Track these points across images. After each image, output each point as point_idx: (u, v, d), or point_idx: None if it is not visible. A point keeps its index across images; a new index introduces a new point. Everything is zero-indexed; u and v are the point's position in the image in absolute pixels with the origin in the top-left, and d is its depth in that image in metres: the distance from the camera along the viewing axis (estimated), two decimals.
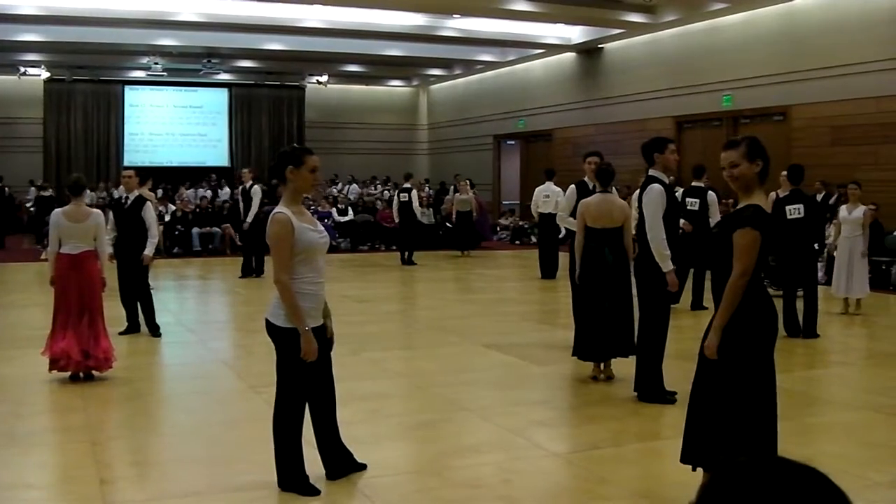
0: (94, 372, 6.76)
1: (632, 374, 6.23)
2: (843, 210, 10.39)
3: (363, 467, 4.54)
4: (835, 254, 10.52)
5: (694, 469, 4.02)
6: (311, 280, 4.17)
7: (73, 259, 6.72)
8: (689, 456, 4.00)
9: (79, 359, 6.57)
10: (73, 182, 7.00)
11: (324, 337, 4.28)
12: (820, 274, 11.06)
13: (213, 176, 24.19)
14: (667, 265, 5.81)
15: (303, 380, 4.19)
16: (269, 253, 4.30)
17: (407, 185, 17.17)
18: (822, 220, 9.79)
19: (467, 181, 19.63)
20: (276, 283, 4.10)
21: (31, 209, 21.99)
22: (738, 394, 3.76)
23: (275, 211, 4.20)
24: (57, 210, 6.98)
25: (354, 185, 24.15)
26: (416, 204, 16.82)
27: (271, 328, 4.18)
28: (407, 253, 16.64)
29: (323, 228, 4.38)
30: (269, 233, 4.14)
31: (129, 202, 8.82)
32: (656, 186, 5.89)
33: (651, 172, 6.00)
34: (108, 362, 6.75)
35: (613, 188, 6.96)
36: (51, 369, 6.61)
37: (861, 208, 10.11)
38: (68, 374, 6.70)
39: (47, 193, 21.77)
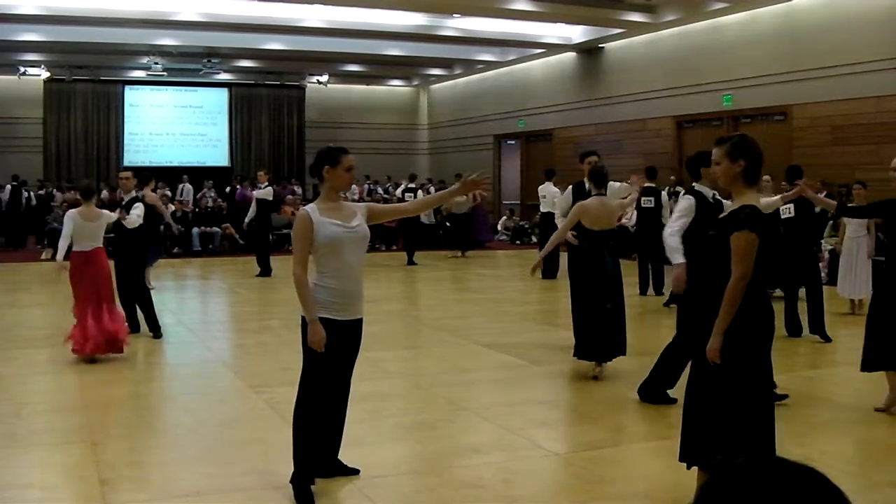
0: (111, 354, 7.42)
1: (631, 374, 6.23)
2: None
3: (356, 472, 4.53)
4: (831, 251, 10.49)
5: (689, 468, 4.02)
6: (333, 273, 4.23)
7: (87, 255, 7.49)
8: (686, 455, 4.01)
9: (100, 340, 7.27)
10: (86, 187, 7.93)
11: (348, 335, 4.28)
12: (822, 274, 11.04)
13: (239, 177, 23.99)
14: (676, 258, 5.71)
15: (320, 373, 4.22)
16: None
17: (412, 185, 17.18)
18: (816, 219, 9.74)
19: None
20: (293, 275, 4.24)
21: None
22: (735, 394, 3.76)
23: (301, 208, 4.49)
24: (72, 210, 7.72)
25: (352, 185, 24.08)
26: None
27: (302, 319, 4.27)
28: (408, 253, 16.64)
29: (359, 222, 4.32)
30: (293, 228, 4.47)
31: (123, 203, 8.89)
32: (689, 197, 5.80)
33: (696, 187, 5.88)
34: (124, 342, 7.54)
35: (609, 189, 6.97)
36: (74, 350, 7.26)
37: None
38: (69, 373, 6.76)
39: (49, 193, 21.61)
